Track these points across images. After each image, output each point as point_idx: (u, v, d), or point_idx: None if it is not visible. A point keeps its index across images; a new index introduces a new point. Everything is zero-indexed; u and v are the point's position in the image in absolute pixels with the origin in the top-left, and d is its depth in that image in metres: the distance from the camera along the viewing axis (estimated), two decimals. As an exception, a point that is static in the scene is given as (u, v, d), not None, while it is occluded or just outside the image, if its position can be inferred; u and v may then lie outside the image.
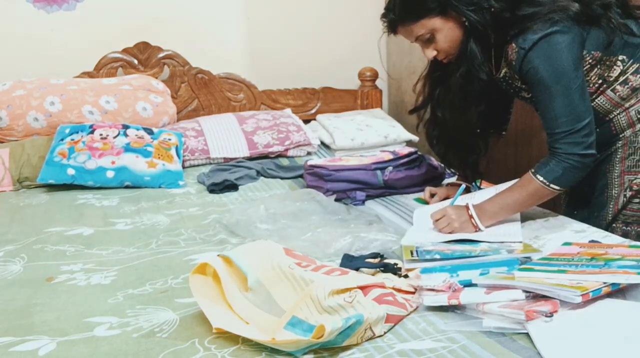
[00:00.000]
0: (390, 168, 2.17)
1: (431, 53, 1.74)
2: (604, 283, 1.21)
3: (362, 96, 3.37)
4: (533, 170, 1.64)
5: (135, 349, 1.20)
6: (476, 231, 1.66)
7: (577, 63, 1.60)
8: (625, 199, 1.72)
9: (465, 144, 1.93)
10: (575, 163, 1.60)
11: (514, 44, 1.63)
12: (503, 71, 1.72)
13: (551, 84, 1.59)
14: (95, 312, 1.36)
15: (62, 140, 2.55)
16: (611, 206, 1.74)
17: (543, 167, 1.63)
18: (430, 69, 1.89)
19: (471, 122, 1.84)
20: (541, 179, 1.62)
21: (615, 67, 1.67)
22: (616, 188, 1.73)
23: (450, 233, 1.66)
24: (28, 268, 1.66)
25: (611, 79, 1.68)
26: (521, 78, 1.68)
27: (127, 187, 2.46)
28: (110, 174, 2.45)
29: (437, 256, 1.49)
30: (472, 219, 1.66)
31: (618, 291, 1.24)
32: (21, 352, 1.21)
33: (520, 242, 1.60)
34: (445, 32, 1.68)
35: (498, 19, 1.64)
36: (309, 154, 2.88)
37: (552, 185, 1.62)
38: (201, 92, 3.16)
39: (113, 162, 2.47)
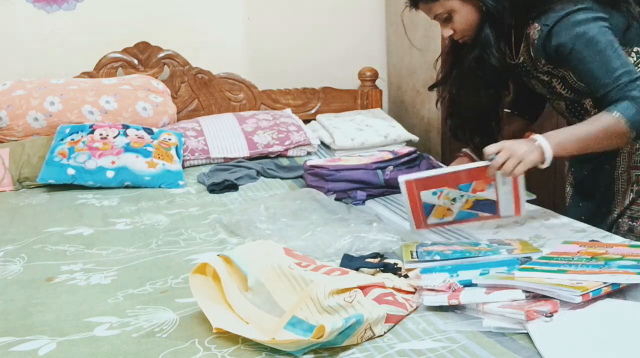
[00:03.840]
0: (391, 167, 2.17)
1: (448, 32, 1.75)
2: (604, 283, 1.21)
3: (362, 96, 3.37)
4: (607, 109, 1.56)
5: (135, 349, 1.19)
6: (542, 158, 1.54)
7: (604, 30, 1.58)
8: (632, 194, 1.71)
9: (476, 123, 1.91)
10: None
11: (536, 24, 1.63)
12: (522, 58, 1.72)
13: (591, 47, 1.56)
14: (95, 312, 1.36)
15: (62, 140, 2.55)
16: (618, 201, 1.74)
17: (617, 105, 1.54)
18: (450, 47, 1.88)
19: (481, 104, 1.83)
20: (618, 114, 1.53)
21: (629, 58, 1.65)
22: (623, 184, 1.72)
23: (514, 167, 1.53)
24: (28, 268, 1.66)
25: None
26: (546, 56, 1.66)
27: (127, 187, 2.46)
28: (110, 174, 2.45)
29: (437, 256, 1.49)
30: (536, 143, 1.53)
31: (618, 291, 1.24)
32: (21, 352, 1.21)
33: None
34: (463, 14, 1.69)
35: (517, 4, 1.65)
36: (309, 153, 2.88)
37: (627, 123, 1.52)
38: (201, 92, 3.16)
39: (113, 162, 2.47)
